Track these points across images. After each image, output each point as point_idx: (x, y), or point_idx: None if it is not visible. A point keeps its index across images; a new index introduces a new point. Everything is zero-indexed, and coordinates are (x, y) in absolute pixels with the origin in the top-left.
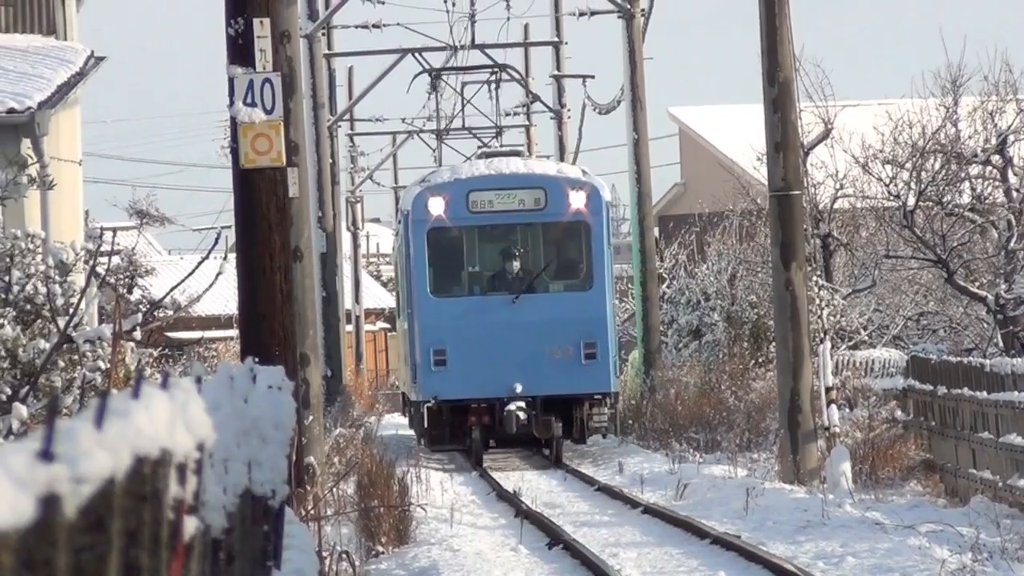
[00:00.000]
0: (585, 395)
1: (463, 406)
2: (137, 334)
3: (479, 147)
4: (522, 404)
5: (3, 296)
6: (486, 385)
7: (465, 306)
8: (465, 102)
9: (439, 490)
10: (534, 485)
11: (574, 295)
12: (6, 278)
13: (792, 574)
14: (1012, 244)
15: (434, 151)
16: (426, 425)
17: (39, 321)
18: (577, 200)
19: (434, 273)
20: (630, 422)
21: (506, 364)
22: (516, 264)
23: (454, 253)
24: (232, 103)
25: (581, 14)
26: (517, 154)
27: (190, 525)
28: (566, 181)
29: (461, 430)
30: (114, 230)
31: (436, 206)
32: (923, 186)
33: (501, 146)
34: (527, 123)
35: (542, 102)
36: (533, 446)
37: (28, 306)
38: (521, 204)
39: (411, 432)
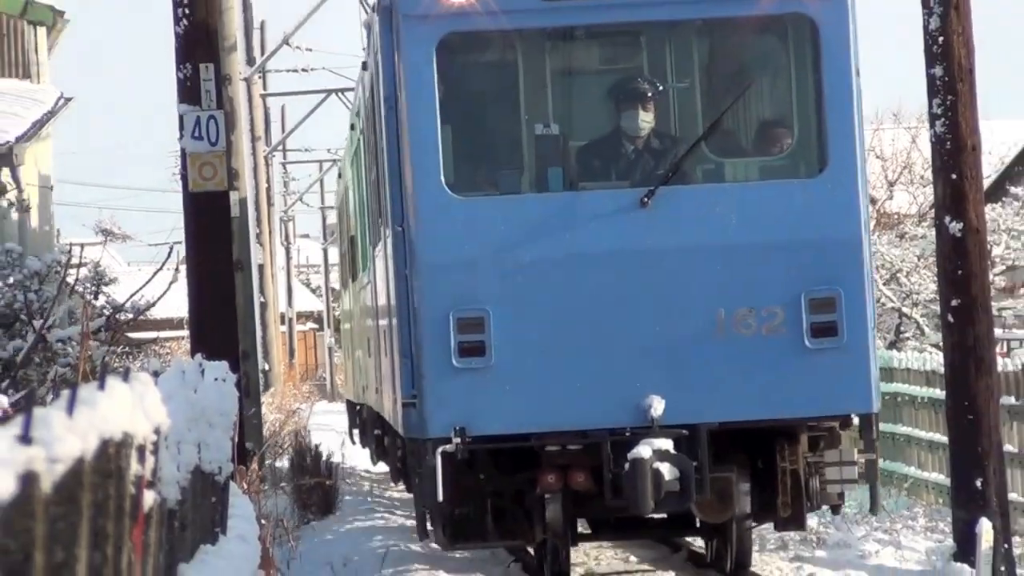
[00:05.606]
0: (806, 421)
1: (525, 450)
2: (102, 334)
3: None
4: (666, 446)
5: None
6: (578, 403)
7: (527, 217)
8: None
9: None
10: None
11: (784, 188)
12: None
13: None
14: None
15: None
16: (440, 495)
17: (17, 324)
18: None
19: (456, 140)
20: None
21: (626, 353)
22: (646, 118)
23: (500, 92)
24: (182, 136)
25: None
26: None
27: (149, 498)
28: None
29: (519, 503)
30: (82, 246)
31: None
32: None
33: None
34: None
35: None
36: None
37: (8, 311)
38: None
39: (344, 427)
